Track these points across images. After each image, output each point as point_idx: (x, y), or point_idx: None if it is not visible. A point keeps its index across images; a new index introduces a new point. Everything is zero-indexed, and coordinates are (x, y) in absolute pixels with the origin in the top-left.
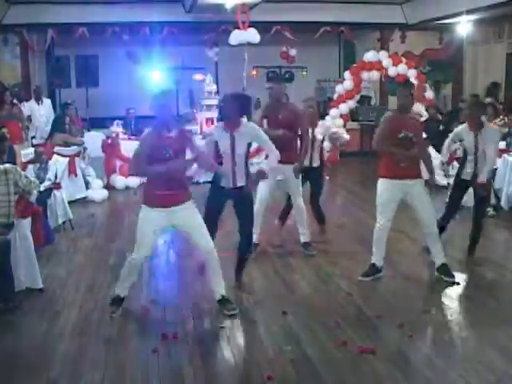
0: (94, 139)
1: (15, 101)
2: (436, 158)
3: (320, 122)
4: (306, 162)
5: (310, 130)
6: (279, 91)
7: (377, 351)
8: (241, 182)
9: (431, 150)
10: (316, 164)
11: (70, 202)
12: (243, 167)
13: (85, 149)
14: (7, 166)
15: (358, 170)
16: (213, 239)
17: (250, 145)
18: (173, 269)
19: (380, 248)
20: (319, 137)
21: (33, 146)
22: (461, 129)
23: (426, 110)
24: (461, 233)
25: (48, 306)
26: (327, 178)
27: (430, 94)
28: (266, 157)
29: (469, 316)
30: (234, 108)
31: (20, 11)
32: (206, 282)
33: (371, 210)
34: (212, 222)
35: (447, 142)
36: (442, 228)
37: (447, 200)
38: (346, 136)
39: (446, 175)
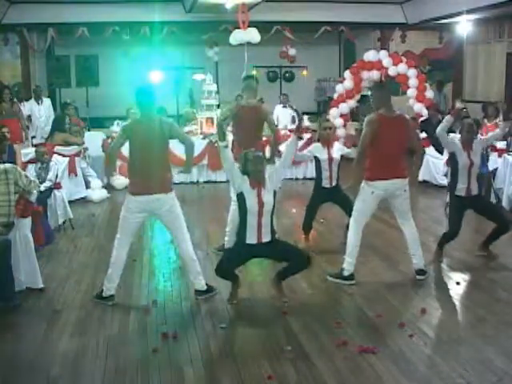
0: (94, 139)
1: (15, 99)
2: (437, 158)
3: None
4: (326, 183)
5: (326, 151)
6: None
7: (377, 351)
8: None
9: (431, 150)
10: (335, 183)
11: (70, 202)
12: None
13: (85, 149)
14: (7, 165)
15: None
16: None
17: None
18: (173, 269)
19: None
20: (336, 156)
21: (33, 145)
22: (455, 146)
23: (427, 109)
24: (461, 232)
25: (48, 305)
26: None
27: (430, 93)
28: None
29: (469, 316)
30: None
31: (20, 11)
32: (206, 280)
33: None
34: None
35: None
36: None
37: (448, 218)
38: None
39: (446, 175)
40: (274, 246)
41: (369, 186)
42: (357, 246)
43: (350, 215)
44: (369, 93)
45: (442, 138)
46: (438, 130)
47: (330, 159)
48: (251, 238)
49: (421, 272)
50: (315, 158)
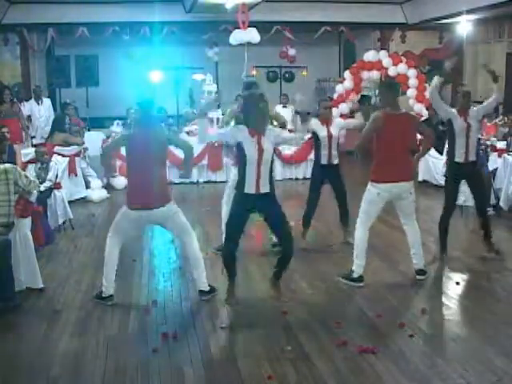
0: (94, 139)
1: (15, 99)
2: (437, 158)
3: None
4: (324, 160)
5: (325, 128)
6: None
7: (377, 351)
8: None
9: (431, 151)
10: (336, 161)
11: (70, 202)
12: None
13: (85, 149)
14: (7, 165)
15: (358, 170)
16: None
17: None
18: (173, 269)
19: None
20: (335, 133)
21: (33, 145)
22: (450, 112)
23: (427, 109)
24: (461, 232)
25: (48, 305)
26: None
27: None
28: None
29: (469, 316)
30: None
31: (20, 11)
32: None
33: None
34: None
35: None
36: (445, 229)
37: (444, 191)
38: (356, 121)
39: (446, 175)
40: (271, 200)
41: (374, 188)
42: (364, 247)
43: (341, 205)
44: (369, 93)
45: (435, 100)
46: (430, 90)
47: (330, 136)
48: (250, 188)
49: (421, 272)
50: (314, 134)
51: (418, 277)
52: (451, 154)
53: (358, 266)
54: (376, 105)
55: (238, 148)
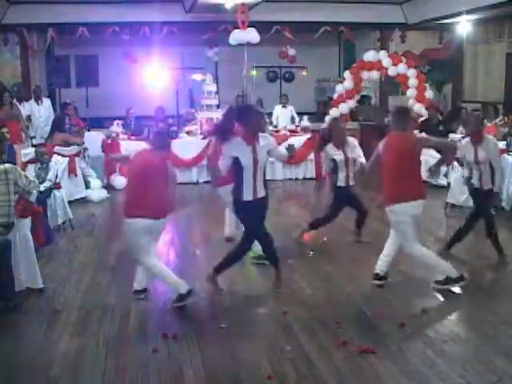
0: (93, 139)
1: (14, 101)
2: (437, 159)
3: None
4: (343, 183)
5: (341, 151)
6: None
7: (377, 351)
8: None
9: (431, 151)
10: (352, 183)
11: (69, 202)
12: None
13: (85, 149)
14: (7, 165)
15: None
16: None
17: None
18: (173, 269)
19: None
20: (351, 155)
21: (33, 145)
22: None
23: (426, 109)
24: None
25: (48, 305)
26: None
27: (430, 93)
28: None
29: (469, 316)
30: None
31: (20, 11)
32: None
33: (371, 211)
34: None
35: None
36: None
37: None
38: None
39: (446, 175)
40: (266, 203)
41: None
42: (437, 256)
43: (360, 211)
44: (369, 93)
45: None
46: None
47: (346, 159)
48: (248, 196)
49: (376, 276)
50: (332, 160)
51: (373, 281)
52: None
53: (448, 269)
54: (375, 106)
55: (234, 162)
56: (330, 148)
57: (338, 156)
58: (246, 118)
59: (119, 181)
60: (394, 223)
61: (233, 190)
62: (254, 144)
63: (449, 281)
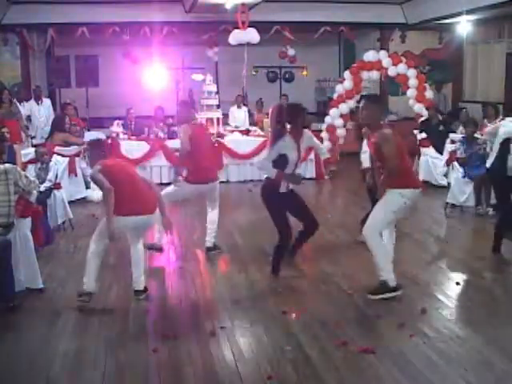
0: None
1: (14, 100)
2: (437, 158)
3: None
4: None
5: (368, 150)
6: None
7: (377, 351)
8: None
9: (431, 151)
10: None
11: (69, 202)
12: None
13: (85, 149)
14: (7, 165)
15: (357, 170)
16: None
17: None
18: (173, 269)
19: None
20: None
21: (33, 146)
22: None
23: (427, 109)
24: (461, 232)
25: (48, 306)
26: (327, 177)
27: (429, 94)
28: None
29: (469, 316)
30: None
31: (20, 11)
32: (206, 281)
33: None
34: None
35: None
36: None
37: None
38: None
39: (446, 175)
40: (295, 194)
41: (402, 196)
42: (389, 255)
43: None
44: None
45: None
46: None
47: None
48: (283, 188)
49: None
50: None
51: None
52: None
53: (388, 275)
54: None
55: (281, 157)
56: (363, 152)
57: (365, 154)
58: (295, 116)
59: None
60: (385, 201)
61: (269, 182)
62: (299, 141)
63: (385, 290)
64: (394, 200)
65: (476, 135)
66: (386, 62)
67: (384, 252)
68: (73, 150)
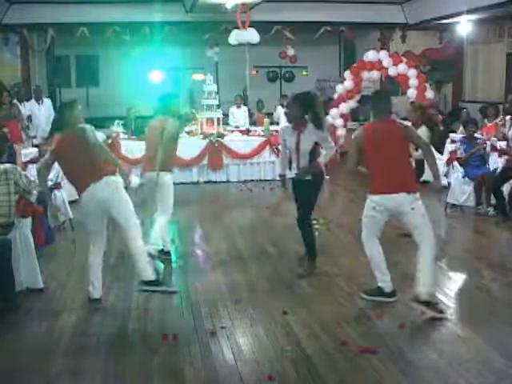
0: None
1: (14, 101)
2: (437, 159)
3: None
4: None
5: None
6: None
7: (377, 351)
8: None
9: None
10: None
11: (70, 202)
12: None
13: None
14: (7, 165)
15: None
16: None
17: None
18: (173, 269)
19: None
20: None
21: (33, 145)
22: None
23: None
24: (461, 232)
25: (48, 305)
26: (327, 177)
27: (430, 94)
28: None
29: (469, 316)
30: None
31: (20, 11)
32: (206, 281)
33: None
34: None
35: None
36: None
37: None
38: None
39: (446, 175)
40: (307, 183)
41: (370, 201)
42: (381, 261)
43: None
44: (369, 93)
45: None
46: None
47: None
48: (292, 174)
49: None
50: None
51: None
52: None
53: (384, 278)
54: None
55: (283, 141)
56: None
57: None
58: (293, 108)
59: None
60: (415, 215)
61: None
62: (298, 130)
63: (380, 293)
64: (366, 205)
65: (476, 135)
66: (387, 61)
67: (376, 259)
68: None
